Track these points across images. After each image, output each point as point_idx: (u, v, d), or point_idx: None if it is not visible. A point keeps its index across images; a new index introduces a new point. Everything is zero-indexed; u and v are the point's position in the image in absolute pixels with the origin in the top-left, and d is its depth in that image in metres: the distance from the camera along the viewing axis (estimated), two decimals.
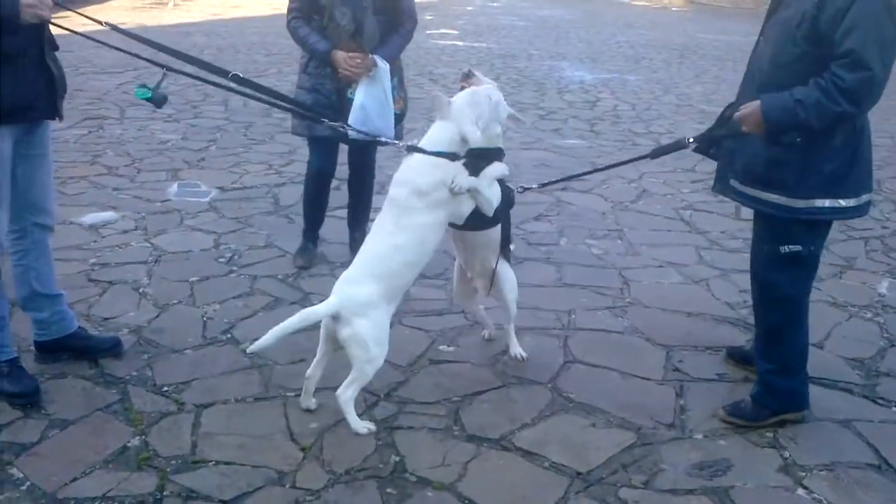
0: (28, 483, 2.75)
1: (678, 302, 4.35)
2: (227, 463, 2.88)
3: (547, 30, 18.77)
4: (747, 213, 5.75)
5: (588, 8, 24.65)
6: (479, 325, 3.98)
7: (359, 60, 4.16)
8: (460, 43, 15.69)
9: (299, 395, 3.26)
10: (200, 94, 9.44)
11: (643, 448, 3.05)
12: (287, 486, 2.78)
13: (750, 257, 3.34)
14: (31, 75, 3.04)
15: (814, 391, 3.48)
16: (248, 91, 3.52)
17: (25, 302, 3.41)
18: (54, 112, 3.19)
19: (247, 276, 4.49)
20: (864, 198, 3.04)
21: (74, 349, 3.52)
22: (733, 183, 3.19)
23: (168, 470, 2.84)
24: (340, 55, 4.17)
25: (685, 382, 3.53)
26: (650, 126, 8.83)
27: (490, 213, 3.23)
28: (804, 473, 2.94)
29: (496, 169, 3.24)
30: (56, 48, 3.17)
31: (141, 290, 4.26)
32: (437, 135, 3.19)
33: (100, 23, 3.31)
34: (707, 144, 3.26)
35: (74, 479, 2.77)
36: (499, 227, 3.41)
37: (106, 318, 3.93)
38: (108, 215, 5.39)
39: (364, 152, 4.60)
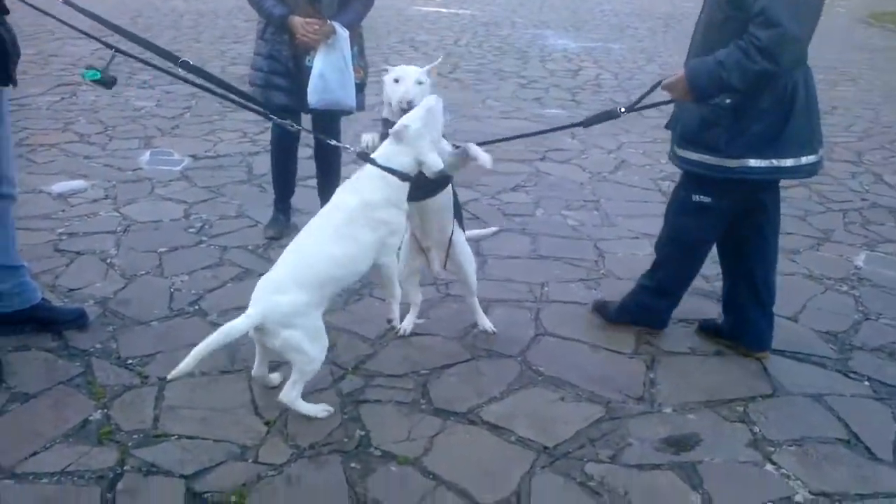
0: None
1: None
2: (189, 437, 2.84)
3: None
4: None
5: None
6: (450, 297, 3.94)
7: (317, 26, 4.07)
8: (444, 10, 15.53)
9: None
10: None
11: (611, 422, 3.02)
12: (249, 460, 2.73)
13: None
14: None
15: (786, 364, 3.48)
16: (196, 80, 3.30)
17: None
18: (7, 78, 3.07)
19: (216, 246, 4.43)
20: (806, 159, 3.13)
21: (38, 321, 3.45)
22: (675, 148, 3.30)
23: (129, 444, 2.79)
24: (297, 20, 4.08)
25: (656, 356, 3.50)
26: (632, 95, 8.72)
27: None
28: (773, 448, 2.92)
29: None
30: (6, 12, 3.05)
31: (108, 261, 4.18)
32: (394, 156, 2.93)
33: None
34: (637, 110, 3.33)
35: (34, 454, 2.71)
36: (450, 188, 3.33)
37: (72, 290, 3.86)
38: (77, 184, 5.30)
39: (328, 122, 4.52)
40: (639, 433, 2.96)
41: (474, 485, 2.65)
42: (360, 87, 4.35)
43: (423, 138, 2.93)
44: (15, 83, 3.12)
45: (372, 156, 2.97)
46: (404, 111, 3.04)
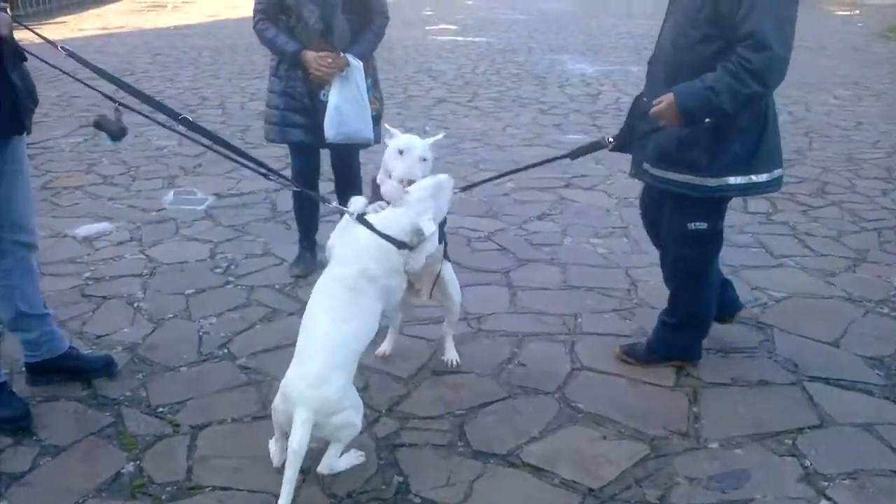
0: None
1: None
2: (223, 488, 2.77)
3: (547, 22, 18.61)
4: (755, 206, 5.68)
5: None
6: (482, 332, 3.87)
7: (330, 60, 4.04)
8: (460, 38, 15.55)
9: None
10: (197, 98, 9.35)
11: (657, 460, 2.93)
12: None
13: (644, 222, 3.66)
14: None
15: (831, 393, 3.37)
16: (196, 137, 3.23)
17: (12, 323, 3.29)
18: (21, 127, 3.03)
19: (243, 286, 4.38)
20: (776, 173, 3.20)
21: (66, 370, 3.41)
22: (646, 166, 3.27)
23: (163, 497, 2.72)
24: (310, 55, 4.06)
25: (698, 388, 3.40)
26: None
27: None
28: (826, 483, 2.81)
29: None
30: (23, 59, 3.02)
31: (135, 305, 4.14)
32: (392, 221, 2.87)
33: (55, 45, 3.09)
34: (627, 141, 3.26)
35: None
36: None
37: (99, 336, 3.82)
38: (102, 226, 5.28)
39: (347, 155, 4.48)
40: (686, 471, 2.87)
41: None
42: (376, 119, 4.32)
43: (424, 205, 2.87)
44: (29, 131, 3.08)
45: (370, 220, 2.88)
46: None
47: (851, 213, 5.63)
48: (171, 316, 4.04)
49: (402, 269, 2.92)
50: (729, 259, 4.74)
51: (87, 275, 4.51)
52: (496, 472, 2.86)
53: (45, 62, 3.10)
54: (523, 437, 3.06)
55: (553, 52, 13.79)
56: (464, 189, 3.43)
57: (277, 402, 2.73)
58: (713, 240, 3.35)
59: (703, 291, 3.46)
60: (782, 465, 2.91)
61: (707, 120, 2.99)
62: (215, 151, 3.26)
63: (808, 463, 2.92)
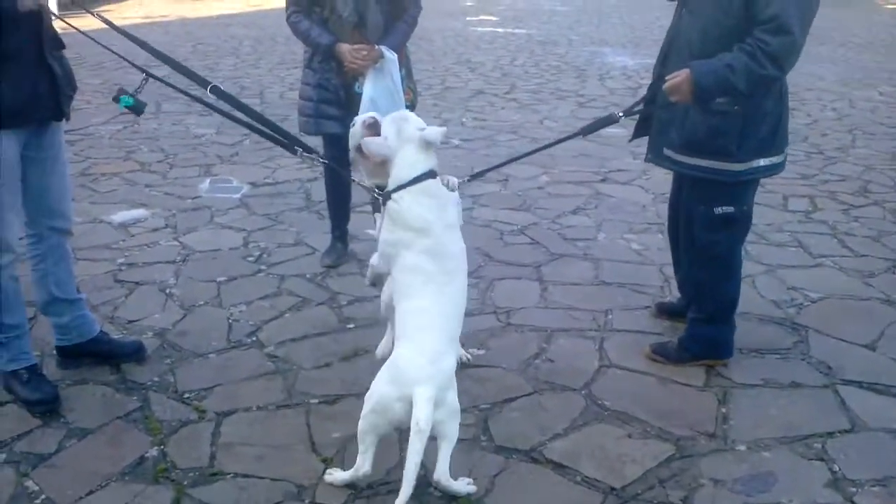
0: (43, 496, 2.67)
1: None
2: (245, 476, 2.78)
3: (589, 14, 18.47)
4: (794, 204, 5.59)
5: None
6: (511, 326, 3.84)
7: (365, 52, 4.02)
8: (500, 30, 15.49)
9: (323, 402, 3.17)
10: (237, 87, 9.41)
11: (682, 461, 2.88)
12: (306, 501, 2.66)
13: (682, 217, 3.53)
14: (32, 76, 2.92)
15: (865, 397, 3.30)
16: (222, 109, 3.16)
17: (45, 307, 3.34)
18: (60, 113, 3.06)
19: (275, 275, 4.39)
20: (786, 151, 3.27)
21: (96, 354, 3.45)
22: (668, 153, 3.29)
23: (185, 483, 2.74)
24: (345, 48, 4.04)
25: (728, 388, 3.34)
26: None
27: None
28: (855, 489, 2.75)
29: None
30: (62, 46, 3.06)
31: (168, 291, 4.18)
32: (405, 170, 2.77)
33: (98, 16, 3.09)
34: (639, 116, 3.41)
35: (90, 493, 2.68)
36: None
37: (131, 321, 3.85)
38: (138, 213, 5.34)
39: None
40: (711, 473, 2.82)
41: None
42: (410, 109, 4.29)
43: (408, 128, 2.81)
44: (68, 118, 3.12)
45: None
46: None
47: (894, 213, 5.51)
48: (201, 303, 4.06)
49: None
50: (765, 258, 4.68)
51: (121, 260, 4.56)
52: (518, 468, 2.83)
53: (96, 41, 3.09)
54: (547, 433, 3.03)
55: (594, 44, 13.68)
56: (471, 178, 3.33)
57: (385, 390, 2.55)
58: (741, 222, 3.33)
59: (730, 280, 3.44)
60: (810, 470, 2.85)
61: (736, 107, 3.02)
62: (240, 123, 3.19)
63: (836, 468, 2.85)
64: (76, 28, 3.07)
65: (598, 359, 3.57)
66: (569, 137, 3.46)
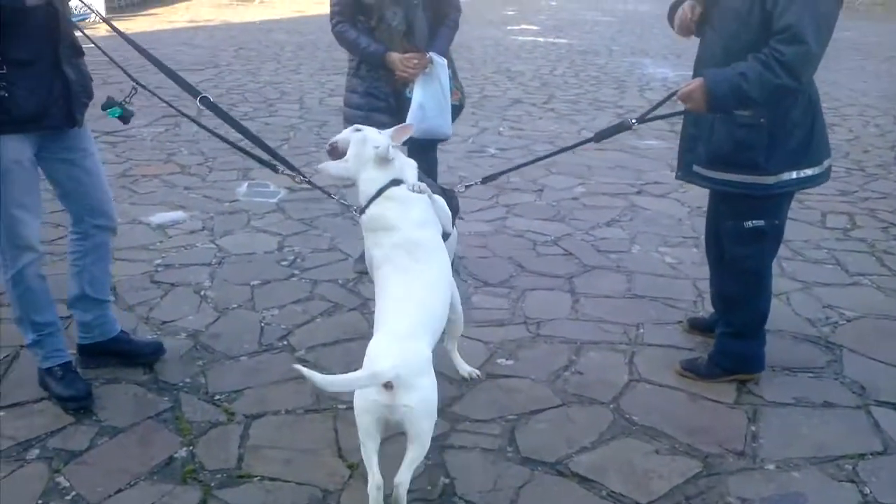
0: (74, 493, 2.72)
1: None
2: (272, 479, 2.80)
3: (630, 25, 18.38)
4: (833, 221, 5.51)
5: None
6: (541, 338, 3.83)
7: (416, 60, 4.07)
8: (540, 39, 15.48)
9: (350, 408, 3.17)
10: (277, 92, 9.50)
11: (709, 478, 2.85)
12: None
13: (706, 231, 3.62)
14: (47, 83, 2.94)
15: None
16: (206, 127, 3.42)
17: (73, 301, 3.38)
18: (72, 121, 3.06)
19: (308, 280, 4.43)
20: (826, 163, 3.21)
21: (116, 353, 3.49)
22: (697, 169, 3.28)
23: (212, 484, 2.77)
24: (396, 56, 4.08)
25: (759, 406, 3.30)
26: None
27: (450, 225, 3.17)
28: None
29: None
30: (81, 54, 3.10)
31: (202, 293, 4.23)
32: (368, 184, 3.07)
33: (104, 21, 3.21)
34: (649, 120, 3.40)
35: (119, 491, 2.73)
36: (452, 237, 3.34)
37: (165, 322, 3.91)
38: (176, 215, 5.41)
39: (425, 152, 4.50)
40: (739, 491, 2.78)
41: None
42: (457, 109, 4.37)
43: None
44: (80, 125, 3.12)
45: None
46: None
47: None
48: (235, 306, 4.11)
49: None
50: (801, 275, 4.62)
51: (157, 262, 4.63)
52: (543, 480, 2.83)
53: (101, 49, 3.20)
54: (574, 446, 3.02)
55: (634, 55, 13.62)
56: (484, 181, 3.57)
57: (363, 385, 2.48)
58: (771, 236, 3.30)
59: (760, 295, 3.41)
60: (840, 492, 2.80)
61: (761, 119, 3.02)
62: (228, 143, 3.56)
63: (867, 490, 2.80)
64: (118, 31, 3.13)
65: (627, 373, 3.55)
66: (582, 143, 3.63)
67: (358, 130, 3.18)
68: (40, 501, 2.69)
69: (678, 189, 6.18)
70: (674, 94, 3.14)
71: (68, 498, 2.70)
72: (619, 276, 4.61)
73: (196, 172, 6.40)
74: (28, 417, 3.12)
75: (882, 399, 3.36)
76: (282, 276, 4.47)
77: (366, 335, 3.75)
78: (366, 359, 2.55)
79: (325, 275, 4.50)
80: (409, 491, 2.68)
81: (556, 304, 4.22)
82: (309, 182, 3.46)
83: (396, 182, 3.02)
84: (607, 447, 3.03)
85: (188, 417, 3.15)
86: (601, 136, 3.42)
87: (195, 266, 4.59)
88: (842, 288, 4.49)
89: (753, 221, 3.22)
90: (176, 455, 2.92)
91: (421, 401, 2.46)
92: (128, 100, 3.09)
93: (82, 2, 3.02)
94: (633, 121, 3.28)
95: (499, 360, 3.59)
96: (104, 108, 3.08)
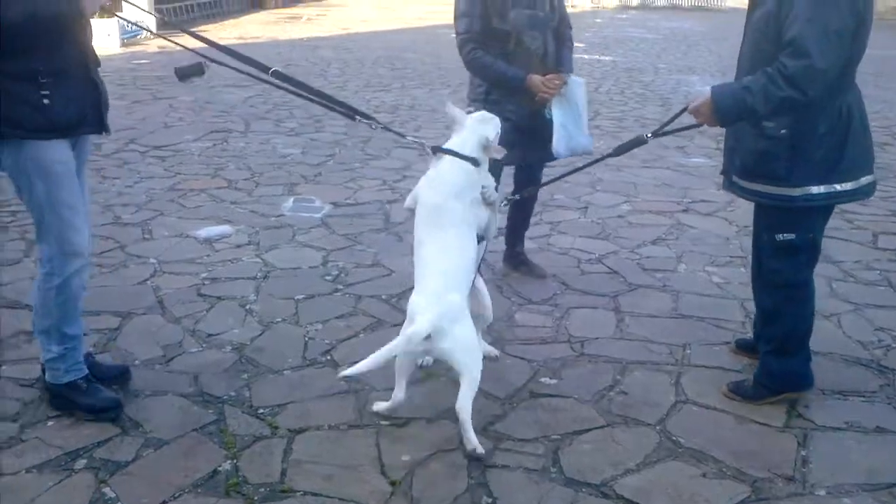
0: (119, 503, 2.75)
1: None
2: (314, 494, 2.80)
3: (676, 42, 18.27)
4: (885, 242, 5.40)
5: (720, 18, 23.90)
6: (585, 357, 3.79)
7: (557, 81, 4.17)
8: (585, 56, 15.44)
9: (393, 425, 3.17)
10: (323, 108, 9.56)
11: (758, 503, 2.79)
12: None
13: (752, 248, 3.52)
14: (82, 90, 3.05)
15: None
16: (288, 87, 3.62)
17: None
18: (102, 126, 3.17)
19: (351, 295, 4.44)
20: (864, 180, 3.14)
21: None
22: (735, 179, 3.31)
23: (255, 498, 2.77)
24: (537, 79, 4.16)
25: (809, 431, 3.23)
26: None
27: (492, 234, 3.43)
28: None
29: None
30: (98, 64, 3.18)
31: (247, 307, 4.26)
32: (461, 141, 3.29)
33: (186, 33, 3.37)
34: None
35: (163, 503, 2.74)
36: (484, 242, 3.42)
37: (210, 335, 3.94)
38: (223, 229, 5.47)
39: (532, 169, 4.54)
40: None
41: None
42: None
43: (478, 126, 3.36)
44: (108, 131, 3.21)
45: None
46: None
47: None
48: (279, 320, 4.13)
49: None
50: (853, 296, 4.52)
51: (204, 275, 4.68)
52: (588, 502, 2.79)
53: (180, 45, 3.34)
54: (619, 468, 2.97)
55: (680, 72, 13.53)
56: (508, 200, 3.97)
57: (400, 338, 2.96)
58: (804, 251, 3.25)
59: (798, 307, 3.36)
60: None
61: (783, 131, 3.02)
62: (308, 99, 3.76)
63: None
64: (180, 44, 3.25)
65: (674, 394, 3.50)
66: (602, 158, 3.81)
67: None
68: None
69: (726, 208, 6.11)
70: (685, 109, 3.19)
71: None
72: (665, 295, 4.55)
73: (243, 187, 6.46)
74: (75, 427, 3.16)
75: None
76: (326, 291, 4.49)
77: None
78: (407, 316, 3.01)
79: (368, 290, 4.51)
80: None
81: (601, 322, 4.18)
82: (385, 127, 3.78)
83: (475, 162, 3.25)
84: (653, 470, 2.98)
85: (232, 431, 3.16)
86: (619, 151, 3.57)
87: (241, 280, 4.63)
88: (894, 310, 4.38)
89: (784, 235, 3.20)
90: (220, 468, 2.93)
91: (460, 344, 2.95)
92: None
93: (135, 24, 3.13)
94: (648, 135, 3.41)
95: (542, 379, 3.56)
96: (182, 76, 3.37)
